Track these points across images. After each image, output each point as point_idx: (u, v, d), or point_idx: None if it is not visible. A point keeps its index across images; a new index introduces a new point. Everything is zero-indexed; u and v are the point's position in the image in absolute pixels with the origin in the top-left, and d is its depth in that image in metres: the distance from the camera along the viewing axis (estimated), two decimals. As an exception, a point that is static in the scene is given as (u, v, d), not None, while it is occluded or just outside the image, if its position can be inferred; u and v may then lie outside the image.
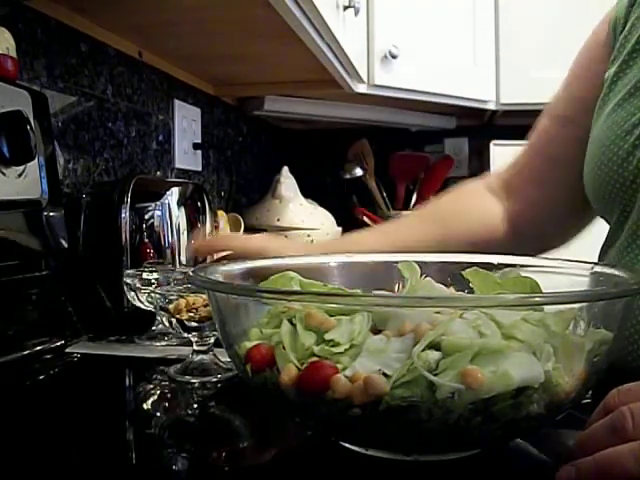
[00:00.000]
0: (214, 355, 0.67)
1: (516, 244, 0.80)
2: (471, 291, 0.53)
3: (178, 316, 0.64)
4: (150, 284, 0.77)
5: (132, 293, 0.77)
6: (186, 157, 1.44)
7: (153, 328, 0.81)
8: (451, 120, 2.13)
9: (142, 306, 0.78)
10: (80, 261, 0.85)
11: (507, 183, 0.84)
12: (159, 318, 0.81)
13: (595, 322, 0.41)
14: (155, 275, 0.78)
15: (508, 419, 0.38)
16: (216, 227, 1.24)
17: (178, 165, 1.40)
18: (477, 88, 1.83)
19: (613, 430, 0.35)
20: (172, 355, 0.73)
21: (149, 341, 0.79)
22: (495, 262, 0.58)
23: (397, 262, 0.56)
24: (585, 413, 0.41)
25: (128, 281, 0.77)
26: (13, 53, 0.75)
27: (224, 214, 1.35)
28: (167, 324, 0.67)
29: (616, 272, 0.48)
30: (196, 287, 0.48)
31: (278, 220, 1.54)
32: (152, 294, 0.68)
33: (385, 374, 0.38)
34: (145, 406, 0.59)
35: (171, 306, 0.64)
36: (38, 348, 0.73)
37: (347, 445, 0.43)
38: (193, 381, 0.63)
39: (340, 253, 0.63)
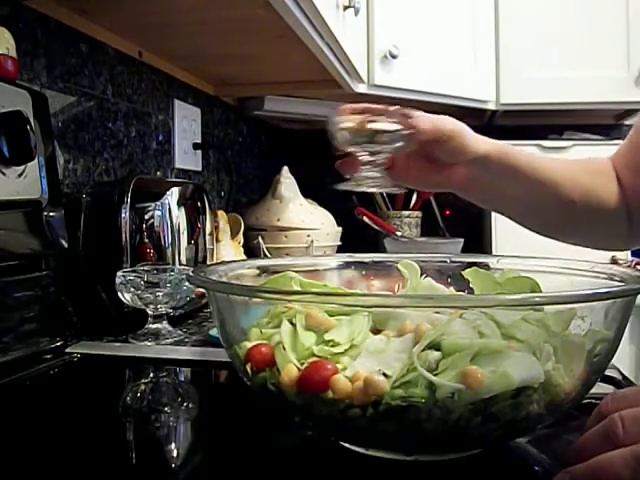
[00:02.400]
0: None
1: (630, 229, 0.80)
2: (471, 291, 0.53)
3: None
4: (141, 284, 0.78)
5: (123, 293, 0.78)
6: (186, 157, 1.44)
7: (145, 327, 0.81)
8: (451, 120, 2.13)
9: (135, 305, 0.79)
10: (80, 261, 0.85)
11: (615, 166, 0.83)
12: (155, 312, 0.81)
13: (595, 322, 0.41)
14: (147, 276, 0.79)
15: (508, 419, 0.38)
16: (216, 227, 1.24)
17: (178, 165, 1.40)
18: (477, 88, 1.83)
19: (605, 437, 0.36)
20: (170, 355, 0.73)
21: (143, 340, 0.79)
22: (495, 262, 0.58)
23: (397, 262, 0.56)
24: (585, 413, 0.41)
25: (118, 281, 0.78)
26: (13, 53, 0.75)
27: (224, 214, 1.35)
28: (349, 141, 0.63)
29: (616, 272, 0.48)
30: (196, 286, 0.48)
31: (278, 220, 1.54)
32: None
33: (385, 374, 0.38)
34: (144, 406, 0.59)
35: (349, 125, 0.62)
36: (38, 348, 0.73)
37: (347, 445, 0.43)
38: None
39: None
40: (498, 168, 0.72)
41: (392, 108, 0.64)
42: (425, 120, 0.67)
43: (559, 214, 0.78)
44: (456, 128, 0.69)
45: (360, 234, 1.80)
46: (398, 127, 0.63)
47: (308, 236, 1.53)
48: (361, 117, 0.63)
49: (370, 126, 0.62)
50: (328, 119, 0.65)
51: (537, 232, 0.84)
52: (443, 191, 0.75)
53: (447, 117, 0.70)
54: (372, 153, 0.64)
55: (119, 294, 0.79)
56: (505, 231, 1.77)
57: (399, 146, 0.65)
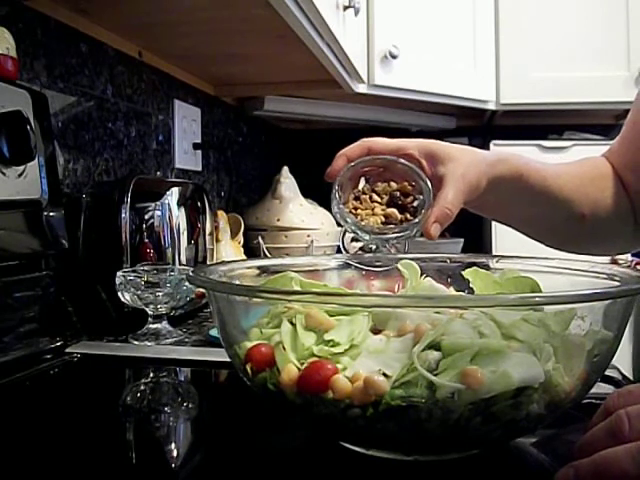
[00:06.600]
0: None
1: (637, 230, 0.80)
2: (471, 291, 0.53)
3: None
4: (141, 284, 0.78)
5: (123, 293, 0.78)
6: (186, 157, 1.44)
7: (145, 327, 0.81)
8: (451, 120, 2.13)
9: (134, 305, 0.79)
10: (80, 261, 0.85)
11: (612, 164, 0.82)
12: (150, 315, 0.81)
13: (595, 322, 0.41)
14: (147, 276, 0.79)
15: (508, 419, 0.38)
16: (216, 227, 1.24)
17: (178, 165, 1.40)
18: (477, 88, 1.83)
19: (611, 433, 0.36)
20: (170, 355, 0.73)
21: (143, 340, 0.79)
22: (494, 262, 0.58)
23: (397, 262, 0.56)
24: (585, 413, 0.41)
25: (118, 281, 0.78)
26: (13, 53, 0.75)
27: (224, 214, 1.35)
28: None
29: (616, 272, 0.48)
30: (196, 286, 0.48)
31: (278, 220, 1.54)
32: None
33: (385, 374, 0.38)
34: (144, 406, 0.59)
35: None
36: (38, 348, 0.73)
37: (347, 445, 0.43)
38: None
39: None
40: (511, 190, 0.70)
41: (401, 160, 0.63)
42: (452, 196, 0.63)
43: (572, 229, 0.78)
44: (474, 180, 0.65)
45: (360, 234, 1.80)
46: (417, 223, 0.62)
47: (308, 236, 1.53)
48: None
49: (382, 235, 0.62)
50: (335, 204, 0.64)
51: (555, 248, 0.82)
52: None
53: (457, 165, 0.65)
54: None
55: (119, 294, 0.79)
56: (505, 231, 1.77)
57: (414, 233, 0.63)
